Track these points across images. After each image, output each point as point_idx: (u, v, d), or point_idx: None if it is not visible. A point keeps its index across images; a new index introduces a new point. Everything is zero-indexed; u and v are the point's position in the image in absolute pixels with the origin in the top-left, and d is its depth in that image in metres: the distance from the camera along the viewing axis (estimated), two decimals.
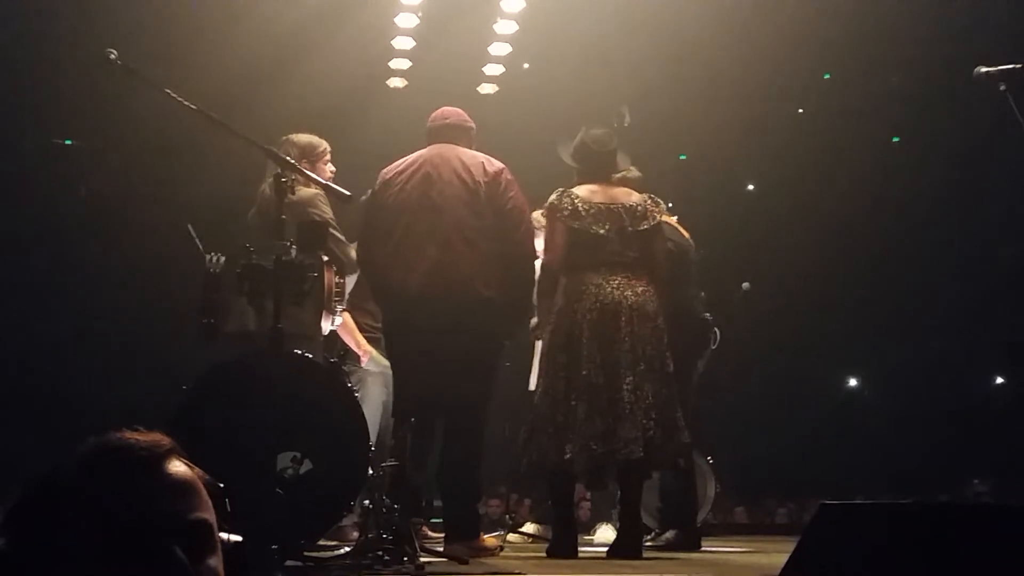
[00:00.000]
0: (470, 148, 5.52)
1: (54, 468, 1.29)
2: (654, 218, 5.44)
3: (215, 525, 1.31)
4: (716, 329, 6.80)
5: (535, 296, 5.57)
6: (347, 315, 6.41)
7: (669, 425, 5.21)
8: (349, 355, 6.14)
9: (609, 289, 5.24)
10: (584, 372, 5.13)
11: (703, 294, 6.85)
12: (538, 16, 8.99)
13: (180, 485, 1.29)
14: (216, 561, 1.29)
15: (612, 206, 5.39)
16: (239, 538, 1.38)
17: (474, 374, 5.20)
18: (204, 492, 1.32)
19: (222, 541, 1.33)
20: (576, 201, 5.34)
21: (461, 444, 5.23)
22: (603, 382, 5.13)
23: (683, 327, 5.93)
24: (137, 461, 1.27)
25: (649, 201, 5.48)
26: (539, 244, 5.61)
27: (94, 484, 1.25)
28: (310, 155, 5.69)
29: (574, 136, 5.68)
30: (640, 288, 5.29)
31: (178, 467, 1.31)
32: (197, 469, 1.33)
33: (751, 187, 13.80)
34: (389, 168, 5.49)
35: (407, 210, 5.30)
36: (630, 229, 5.36)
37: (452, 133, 5.55)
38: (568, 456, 5.05)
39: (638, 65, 9.80)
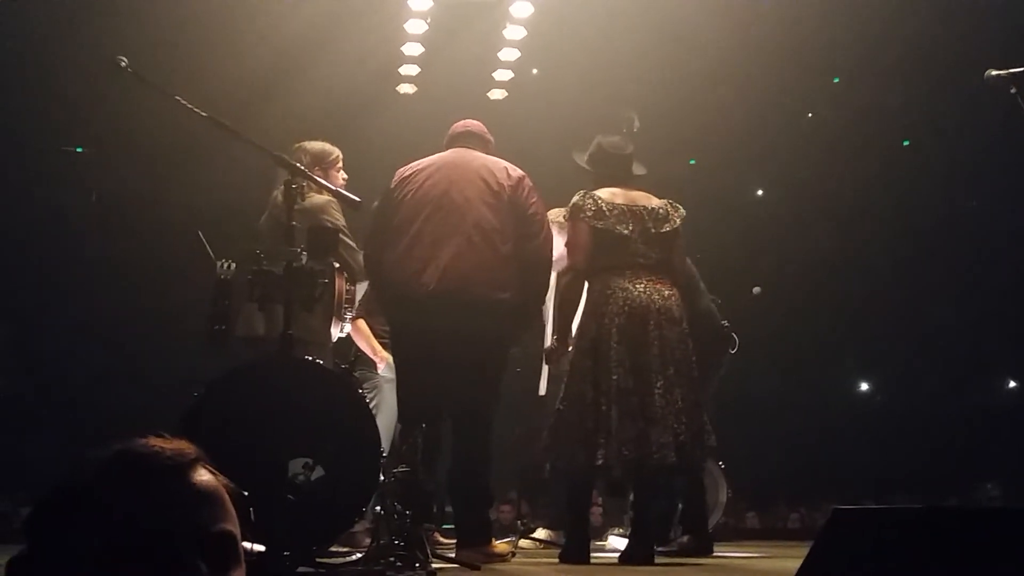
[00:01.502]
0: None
1: (74, 473, 1.28)
2: (675, 222, 5.43)
3: (239, 537, 1.30)
4: (735, 336, 6.83)
5: (555, 304, 5.55)
6: (362, 322, 6.42)
7: (697, 429, 5.20)
8: (362, 361, 6.15)
9: (636, 293, 5.21)
10: (614, 377, 5.09)
11: (720, 301, 6.88)
12: (547, 22, 9.00)
13: (205, 495, 1.27)
14: (240, 574, 1.28)
15: (634, 207, 5.38)
16: (262, 548, 1.36)
17: (481, 378, 5.17)
18: (228, 502, 1.30)
19: (245, 551, 1.32)
20: (599, 202, 5.33)
21: (470, 449, 5.20)
22: (633, 386, 5.09)
23: (704, 334, 5.94)
24: (162, 469, 1.26)
25: (670, 205, 5.48)
26: (558, 242, 5.61)
27: (117, 491, 1.23)
28: (322, 162, 5.70)
29: (588, 144, 5.68)
30: (666, 292, 5.28)
31: (203, 476, 1.29)
32: (222, 477, 1.32)
33: (761, 192, 13.78)
34: (406, 167, 5.45)
35: (425, 207, 5.25)
36: (653, 231, 5.35)
37: (472, 141, 5.55)
38: (600, 462, 5.02)
39: (647, 70, 9.80)
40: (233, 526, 1.29)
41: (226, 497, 1.30)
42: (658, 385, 5.09)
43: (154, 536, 1.21)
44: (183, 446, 1.30)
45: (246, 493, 1.34)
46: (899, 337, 13.82)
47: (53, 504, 1.26)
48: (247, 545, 1.33)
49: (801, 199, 12.51)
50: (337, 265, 5.23)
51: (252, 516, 1.34)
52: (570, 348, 5.35)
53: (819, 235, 12.85)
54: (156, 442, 1.29)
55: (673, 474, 5.29)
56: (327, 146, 5.83)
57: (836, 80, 11.53)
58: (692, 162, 12.29)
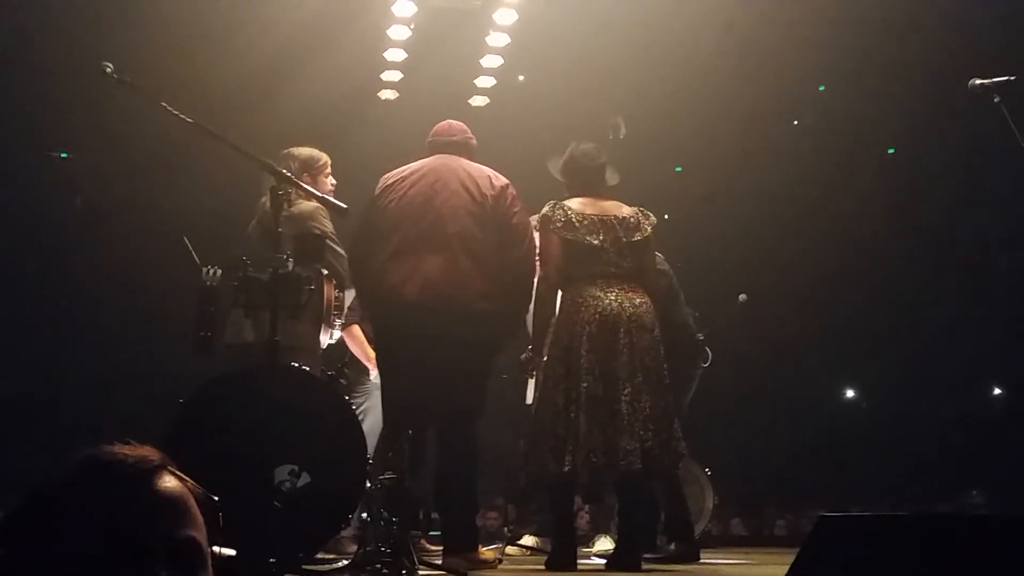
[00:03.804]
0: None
1: (46, 480, 1.28)
2: (646, 230, 5.45)
3: (203, 543, 1.29)
4: (707, 349, 6.91)
5: (531, 312, 5.56)
6: (357, 327, 6.41)
7: (666, 435, 5.22)
8: (354, 367, 6.14)
9: (608, 301, 5.24)
10: (584, 384, 5.12)
11: (697, 314, 6.94)
12: (530, 29, 9.00)
13: (168, 502, 1.27)
14: None
15: (605, 217, 5.40)
16: (232, 552, 1.36)
17: (466, 384, 5.17)
18: (194, 508, 1.30)
19: (216, 555, 1.32)
20: (569, 213, 5.35)
21: (455, 456, 5.21)
22: (602, 394, 5.12)
23: (678, 346, 5.96)
24: (124, 476, 1.26)
25: (640, 213, 5.50)
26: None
27: (81, 498, 1.24)
28: (311, 168, 5.70)
29: (564, 151, 5.69)
30: (638, 300, 5.30)
31: (167, 483, 1.29)
32: (190, 482, 1.32)
33: (746, 199, 13.80)
34: (391, 173, 5.45)
35: (408, 216, 5.25)
36: (624, 240, 5.37)
37: (456, 149, 5.53)
38: (568, 468, 5.04)
39: (632, 77, 9.81)
40: (197, 532, 1.28)
41: (191, 503, 1.30)
42: (625, 393, 5.12)
43: (115, 542, 1.21)
44: (147, 452, 1.30)
45: (216, 498, 1.34)
46: (885, 344, 13.86)
47: (24, 510, 1.26)
48: (216, 549, 1.32)
49: (787, 207, 12.53)
50: (325, 272, 5.23)
51: (221, 521, 1.34)
52: (545, 357, 5.36)
53: (805, 243, 12.89)
54: (120, 449, 1.29)
55: (641, 481, 5.30)
56: (315, 152, 5.83)
57: (822, 88, 11.56)
58: (678, 169, 12.31)
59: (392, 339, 5.31)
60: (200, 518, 1.30)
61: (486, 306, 5.14)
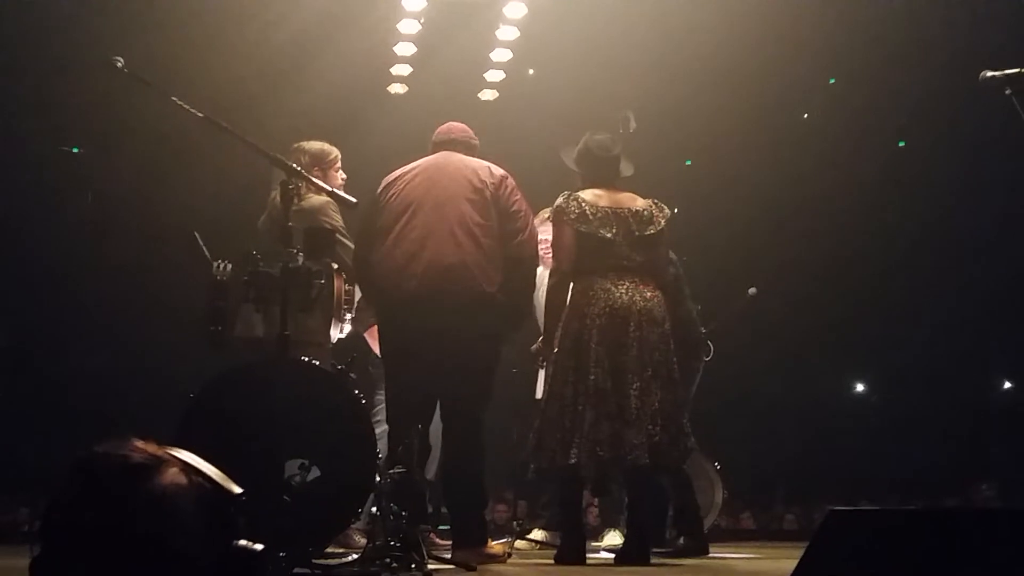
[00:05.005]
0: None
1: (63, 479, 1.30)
2: (659, 223, 5.44)
3: (176, 543, 1.28)
4: (710, 344, 6.93)
5: (543, 303, 5.57)
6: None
7: (675, 430, 5.22)
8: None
9: (618, 294, 5.24)
10: (592, 377, 5.12)
11: (700, 307, 6.96)
12: (540, 23, 8.99)
13: (148, 502, 1.27)
14: None
15: (618, 210, 5.39)
16: (260, 547, 1.36)
17: (472, 376, 5.17)
18: (182, 508, 1.29)
19: (242, 548, 1.31)
20: (583, 204, 5.35)
21: (462, 449, 5.21)
22: (610, 387, 5.12)
23: (682, 341, 5.95)
24: (107, 478, 1.26)
25: (654, 206, 5.49)
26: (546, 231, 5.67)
27: (69, 501, 1.25)
28: (321, 162, 5.71)
29: (577, 142, 5.69)
30: (648, 293, 5.30)
31: (158, 481, 1.28)
32: (198, 477, 1.31)
33: (756, 192, 13.76)
34: (392, 173, 5.49)
35: (409, 206, 5.27)
36: (637, 233, 5.37)
37: (457, 147, 5.55)
38: (574, 460, 5.05)
39: (642, 72, 9.80)
40: (173, 532, 1.27)
41: (180, 503, 1.29)
42: (634, 387, 5.12)
43: (97, 543, 1.22)
44: (136, 451, 1.30)
45: (239, 491, 1.33)
46: (894, 338, 13.82)
47: (49, 508, 1.28)
48: (244, 544, 1.32)
49: (797, 200, 12.50)
50: (335, 266, 5.24)
51: (235, 517, 1.33)
52: (555, 349, 5.36)
53: (815, 236, 12.85)
54: (112, 448, 1.29)
55: (649, 475, 5.30)
56: (326, 146, 5.84)
57: (832, 81, 11.53)
58: (688, 163, 12.29)
59: (396, 331, 5.32)
60: (189, 518, 1.29)
61: (490, 290, 5.15)
